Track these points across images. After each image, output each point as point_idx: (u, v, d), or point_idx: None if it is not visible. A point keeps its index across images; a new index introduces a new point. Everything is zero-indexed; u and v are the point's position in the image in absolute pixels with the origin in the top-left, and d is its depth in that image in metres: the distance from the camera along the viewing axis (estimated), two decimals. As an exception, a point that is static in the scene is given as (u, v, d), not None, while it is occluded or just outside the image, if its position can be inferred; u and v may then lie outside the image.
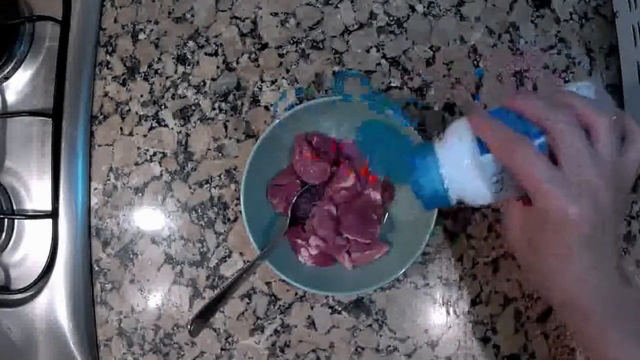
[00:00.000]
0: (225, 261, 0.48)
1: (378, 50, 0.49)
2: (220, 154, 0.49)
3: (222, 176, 0.48)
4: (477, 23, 0.49)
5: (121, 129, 0.50)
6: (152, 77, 0.50)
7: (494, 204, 0.33)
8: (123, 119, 0.50)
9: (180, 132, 0.49)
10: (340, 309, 0.47)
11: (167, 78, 0.50)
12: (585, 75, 0.48)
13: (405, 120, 0.42)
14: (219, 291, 0.39)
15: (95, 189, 0.49)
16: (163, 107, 0.50)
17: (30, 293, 0.48)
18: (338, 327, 0.47)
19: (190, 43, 0.50)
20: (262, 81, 0.49)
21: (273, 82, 0.49)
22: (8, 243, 0.49)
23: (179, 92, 0.50)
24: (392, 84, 0.48)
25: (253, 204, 0.44)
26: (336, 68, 0.49)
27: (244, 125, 0.49)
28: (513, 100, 0.31)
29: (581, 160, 0.28)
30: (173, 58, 0.50)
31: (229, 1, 0.50)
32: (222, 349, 0.47)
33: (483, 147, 0.30)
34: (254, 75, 0.49)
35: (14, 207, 0.49)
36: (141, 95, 0.50)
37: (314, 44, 0.49)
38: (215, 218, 0.48)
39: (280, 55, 0.49)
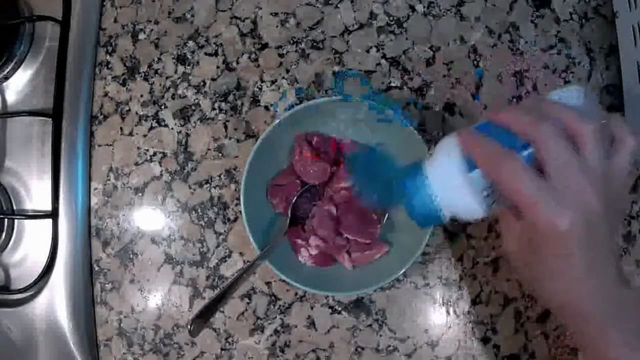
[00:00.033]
0: (225, 261, 0.48)
1: (378, 50, 0.49)
2: (220, 154, 0.49)
3: (222, 176, 0.48)
4: (477, 23, 0.49)
5: (121, 129, 0.50)
6: (152, 77, 0.50)
7: (488, 217, 0.33)
8: (123, 119, 0.50)
9: (180, 132, 0.49)
10: (340, 309, 0.47)
11: (167, 78, 0.50)
12: (585, 76, 0.48)
13: (405, 120, 0.42)
14: (219, 291, 0.39)
15: (95, 189, 0.49)
16: (163, 107, 0.50)
17: (30, 293, 0.48)
18: (338, 327, 0.47)
19: (190, 43, 0.50)
20: (262, 81, 0.49)
21: (273, 82, 0.49)
22: (8, 243, 0.49)
23: (179, 92, 0.50)
24: (392, 84, 0.48)
25: (253, 204, 0.44)
26: (336, 68, 0.49)
27: (244, 125, 0.49)
28: (498, 113, 0.31)
29: (568, 169, 0.28)
30: (173, 58, 0.50)
31: (229, 1, 0.50)
32: (222, 349, 0.47)
33: (472, 163, 0.30)
34: (254, 75, 0.49)
35: (14, 207, 0.49)
36: (141, 95, 0.50)
37: (314, 44, 0.49)
38: (215, 218, 0.48)
39: (280, 55, 0.49)
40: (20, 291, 0.47)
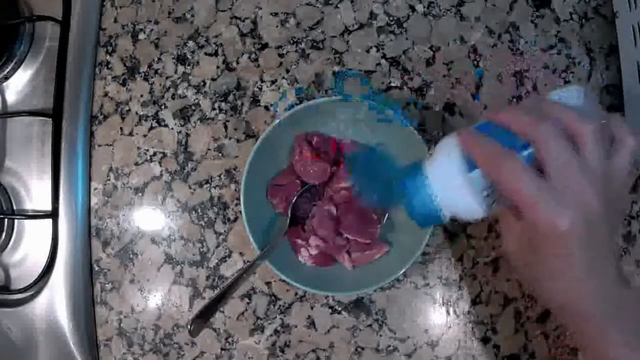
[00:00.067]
0: (225, 261, 0.48)
1: (378, 50, 0.49)
2: (220, 154, 0.49)
3: (222, 176, 0.48)
4: (477, 23, 0.49)
5: (121, 129, 0.50)
6: (152, 77, 0.50)
7: (488, 217, 0.33)
8: (123, 119, 0.50)
9: (180, 132, 0.49)
10: (340, 309, 0.47)
11: (167, 78, 0.50)
12: (585, 76, 0.48)
13: (405, 120, 0.42)
14: (219, 291, 0.39)
15: (95, 189, 0.49)
16: (163, 107, 0.50)
17: (30, 293, 0.48)
18: (338, 327, 0.47)
19: (190, 43, 0.50)
20: (262, 81, 0.49)
21: (273, 82, 0.49)
22: (8, 243, 0.49)
23: (179, 92, 0.50)
24: (392, 84, 0.48)
25: (253, 204, 0.44)
26: (336, 68, 0.49)
27: (244, 125, 0.49)
28: (498, 113, 0.31)
29: (568, 169, 0.28)
30: (173, 58, 0.50)
31: (229, 1, 0.50)
32: (222, 349, 0.47)
33: (472, 163, 0.30)
34: (254, 75, 0.49)
35: (14, 207, 0.49)
36: (141, 95, 0.50)
37: (314, 44, 0.49)
38: (215, 218, 0.48)
39: (280, 55, 0.49)
40: (20, 291, 0.47)
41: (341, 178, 0.45)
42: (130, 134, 0.50)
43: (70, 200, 0.48)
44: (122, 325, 0.48)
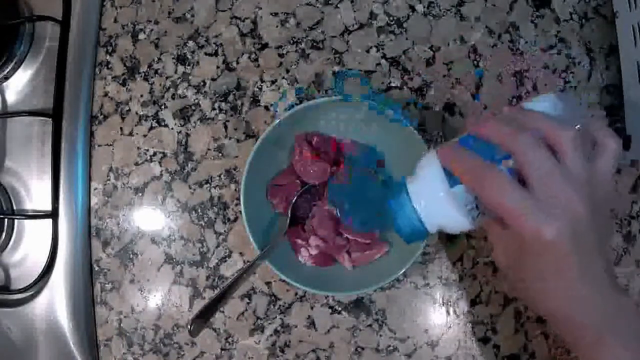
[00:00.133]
0: (225, 261, 0.48)
1: (378, 50, 0.49)
2: (220, 154, 0.49)
3: (222, 176, 0.48)
4: (477, 23, 0.49)
5: (121, 129, 0.50)
6: (152, 77, 0.50)
7: (475, 230, 0.32)
8: (123, 119, 0.50)
9: (180, 132, 0.49)
10: (340, 309, 0.47)
11: (167, 78, 0.50)
12: (585, 76, 0.48)
13: (405, 120, 0.42)
14: (219, 291, 0.39)
15: (95, 189, 0.49)
16: (163, 107, 0.50)
17: (30, 293, 0.48)
18: (338, 327, 0.47)
19: (190, 43, 0.50)
20: (262, 81, 0.49)
21: (273, 82, 0.49)
22: (8, 243, 0.49)
23: (179, 92, 0.50)
24: (392, 84, 0.48)
25: (253, 204, 0.44)
26: (336, 68, 0.49)
27: (244, 125, 0.49)
28: (477, 126, 0.31)
29: (550, 179, 0.28)
30: (173, 58, 0.50)
31: (229, 1, 0.50)
32: (222, 349, 0.47)
33: (455, 178, 0.30)
34: (254, 75, 0.49)
35: (14, 207, 0.49)
36: (141, 95, 0.50)
37: (314, 44, 0.49)
38: (215, 218, 0.48)
39: (280, 55, 0.49)
40: (20, 291, 0.47)
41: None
42: (130, 134, 0.50)
43: (70, 200, 0.48)
44: (122, 325, 0.48)
